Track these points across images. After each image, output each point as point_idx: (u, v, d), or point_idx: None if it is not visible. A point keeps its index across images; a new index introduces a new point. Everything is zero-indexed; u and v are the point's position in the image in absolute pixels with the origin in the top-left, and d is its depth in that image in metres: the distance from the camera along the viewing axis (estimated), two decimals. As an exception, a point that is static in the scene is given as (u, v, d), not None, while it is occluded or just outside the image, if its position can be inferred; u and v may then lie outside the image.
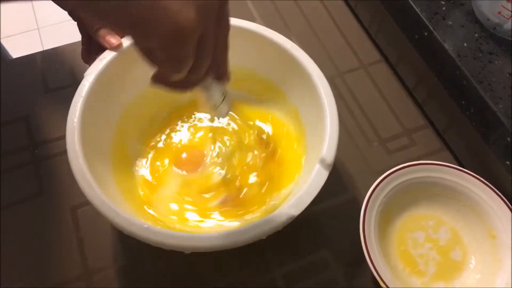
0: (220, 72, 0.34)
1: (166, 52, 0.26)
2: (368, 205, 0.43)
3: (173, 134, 0.49)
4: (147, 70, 0.48)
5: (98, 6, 0.25)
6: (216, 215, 0.44)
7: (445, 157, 0.52)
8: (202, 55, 0.28)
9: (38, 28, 1.58)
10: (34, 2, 1.65)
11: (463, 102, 0.46)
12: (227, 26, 0.31)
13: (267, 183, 0.46)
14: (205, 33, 0.27)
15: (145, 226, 0.35)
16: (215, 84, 0.35)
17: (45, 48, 0.58)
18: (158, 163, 0.47)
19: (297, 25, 0.62)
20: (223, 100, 0.38)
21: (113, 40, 0.44)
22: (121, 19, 0.25)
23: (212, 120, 0.45)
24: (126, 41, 0.45)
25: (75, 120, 0.40)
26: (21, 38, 1.53)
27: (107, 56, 0.44)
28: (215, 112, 0.39)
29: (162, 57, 0.27)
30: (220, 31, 0.30)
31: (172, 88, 0.31)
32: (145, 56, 0.28)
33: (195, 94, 0.36)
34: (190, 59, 0.28)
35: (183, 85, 0.31)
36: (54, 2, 0.47)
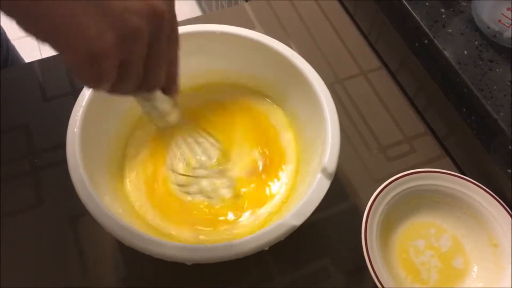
0: (164, 86, 0.33)
1: (81, 68, 0.26)
2: (370, 213, 0.43)
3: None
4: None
5: (16, 9, 0.24)
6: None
7: (445, 164, 0.52)
8: (123, 77, 0.28)
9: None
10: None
11: (464, 109, 0.46)
12: (172, 42, 0.30)
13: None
14: (126, 58, 0.26)
15: (146, 237, 0.35)
16: (158, 96, 0.34)
17: (43, 53, 0.58)
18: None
19: (297, 32, 0.61)
20: (171, 109, 0.36)
21: None
22: (40, 29, 0.25)
23: (158, 128, 0.43)
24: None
25: (75, 130, 0.40)
26: (20, 42, 1.53)
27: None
28: (161, 121, 0.37)
29: (78, 71, 0.26)
30: (157, 50, 0.29)
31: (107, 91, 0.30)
32: (65, 65, 0.28)
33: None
34: (107, 78, 0.27)
35: (111, 92, 0.30)
36: None
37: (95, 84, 0.27)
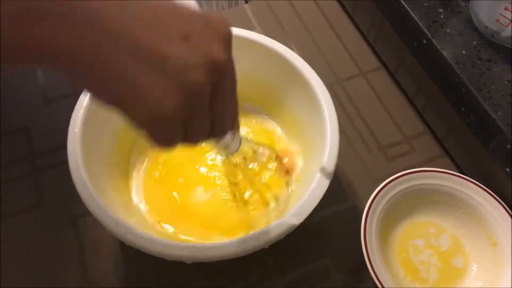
0: (230, 127, 0.32)
1: (147, 130, 0.25)
2: (369, 213, 0.43)
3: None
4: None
5: (75, 78, 0.24)
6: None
7: (445, 163, 0.52)
8: (189, 134, 0.27)
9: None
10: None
11: (463, 109, 0.46)
12: (231, 94, 0.29)
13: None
14: (191, 117, 0.25)
15: (146, 236, 0.35)
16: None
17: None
18: (157, 173, 0.47)
19: (296, 33, 0.62)
20: (232, 140, 0.37)
21: None
22: (102, 93, 0.24)
23: (225, 157, 0.45)
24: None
25: (76, 129, 0.40)
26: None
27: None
28: (223, 151, 0.39)
29: (145, 133, 0.25)
30: (219, 103, 0.27)
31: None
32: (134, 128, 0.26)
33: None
34: (174, 138, 0.26)
35: (186, 145, 0.29)
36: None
37: (162, 144, 0.26)
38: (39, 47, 0.22)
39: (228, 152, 0.39)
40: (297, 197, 0.42)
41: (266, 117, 0.51)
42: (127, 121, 0.25)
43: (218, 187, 0.46)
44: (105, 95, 0.24)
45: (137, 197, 0.45)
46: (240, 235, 0.42)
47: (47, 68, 0.24)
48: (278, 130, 0.50)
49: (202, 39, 0.25)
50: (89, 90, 0.24)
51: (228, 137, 0.35)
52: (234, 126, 0.33)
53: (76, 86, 0.24)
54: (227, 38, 0.26)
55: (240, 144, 0.39)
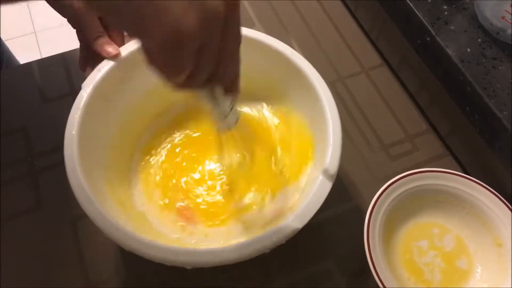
0: (227, 84, 0.33)
1: (163, 54, 0.26)
2: (372, 214, 0.42)
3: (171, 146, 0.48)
4: (146, 80, 0.47)
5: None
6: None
7: (448, 162, 0.51)
8: (200, 64, 0.28)
9: (35, 32, 1.57)
10: (31, 7, 1.64)
11: (467, 108, 0.45)
12: (236, 39, 0.30)
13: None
14: (206, 42, 0.26)
15: (146, 241, 0.34)
16: (222, 94, 0.34)
17: (42, 52, 0.57)
18: (158, 177, 0.47)
19: (297, 30, 0.61)
20: (230, 110, 0.37)
21: (111, 49, 0.44)
22: (125, 15, 0.25)
23: (218, 129, 0.44)
24: (124, 51, 0.44)
25: (74, 132, 0.39)
26: (18, 41, 1.52)
27: (105, 66, 0.43)
28: (222, 122, 0.38)
29: (159, 60, 0.26)
30: (226, 43, 0.29)
31: (174, 86, 0.30)
32: (145, 56, 0.27)
33: (198, 103, 0.35)
34: (187, 65, 0.27)
35: (183, 86, 0.30)
36: (54, 8, 0.46)
37: (174, 73, 0.27)
38: None
39: (226, 123, 0.38)
40: (299, 200, 0.41)
41: (267, 112, 0.50)
42: (142, 47, 0.26)
43: (219, 188, 0.46)
44: (126, 15, 0.25)
45: (137, 200, 0.44)
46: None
47: None
48: (276, 126, 0.50)
49: None
50: (110, 13, 0.25)
51: (227, 102, 0.35)
52: (234, 87, 0.34)
53: (100, 9, 0.25)
54: None
55: (237, 117, 0.38)
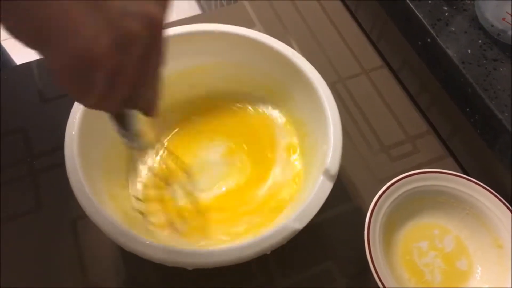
0: (144, 107, 0.31)
1: (69, 76, 0.24)
2: (373, 215, 0.42)
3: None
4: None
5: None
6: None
7: (449, 164, 0.51)
8: (112, 88, 0.25)
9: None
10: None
11: (468, 109, 0.45)
12: (156, 65, 0.28)
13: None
14: (119, 67, 0.24)
15: (146, 242, 0.34)
16: (136, 116, 0.32)
17: (35, 54, 0.57)
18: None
19: (297, 30, 0.61)
20: (137, 136, 0.34)
21: None
22: (23, 25, 0.22)
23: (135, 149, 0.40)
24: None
25: (74, 132, 0.39)
26: (15, 41, 1.52)
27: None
28: (132, 142, 0.35)
29: (64, 80, 0.24)
30: (145, 68, 0.27)
31: (85, 106, 0.28)
32: (51, 74, 0.24)
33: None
34: (95, 88, 0.25)
35: (95, 107, 0.28)
36: None
37: (82, 94, 0.25)
38: None
39: (136, 143, 0.35)
40: (299, 200, 0.41)
41: (269, 114, 0.50)
42: (47, 64, 0.23)
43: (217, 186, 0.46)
44: (30, 27, 0.22)
45: (136, 201, 0.44)
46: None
47: None
48: (277, 127, 0.49)
49: None
50: (12, 23, 0.22)
51: (136, 118, 0.33)
52: (151, 111, 0.31)
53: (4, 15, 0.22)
54: (166, 2, 0.26)
55: (143, 142, 0.35)
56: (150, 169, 0.44)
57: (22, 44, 0.23)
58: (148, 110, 0.31)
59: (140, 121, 0.33)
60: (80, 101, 0.27)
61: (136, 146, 0.35)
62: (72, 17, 0.22)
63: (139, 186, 0.45)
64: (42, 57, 0.24)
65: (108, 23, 0.23)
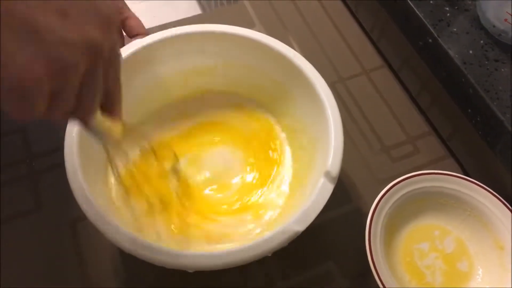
0: (106, 109, 0.32)
1: (8, 100, 0.24)
2: (374, 216, 0.42)
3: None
4: (146, 81, 0.47)
5: None
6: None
7: (449, 165, 0.51)
8: (55, 107, 0.26)
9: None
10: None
11: (469, 110, 0.45)
12: (109, 74, 0.29)
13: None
14: (59, 89, 0.25)
15: (146, 244, 0.34)
16: (97, 118, 0.32)
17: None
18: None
19: (297, 30, 0.61)
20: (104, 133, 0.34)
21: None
22: None
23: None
24: (124, 52, 0.44)
25: (73, 134, 0.39)
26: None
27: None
28: (101, 141, 0.35)
29: (5, 103, 0.25)
30: (90, 86, 0.27)
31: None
32: None
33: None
34: (35, 110, 0.25)
35: (46, 118, 0.28)
36: None
37: (22, 117, 0.26)
38: None
39: (104, 141, 0.35)
40: (300, 202, 0.41)
41: (269, 115, 0.50)
42: None
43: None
44: None
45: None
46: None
47: None
48: (278, 128, 0.49)
49: (80, 18, 0.25)
50: None
51: (98, 120, 0.32)
52: (112, 111, 0.32)
53: None
54: (108, 21, 0.27)
55: (117, 137, 0.35)
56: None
57: None
58: (108, 112, 0.32)
59: (103, 122, 0.33)
60: (21, 121, 0.27)
61: (103, 142, 0.35)
62: (5, 49, 0.23)
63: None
64: None
65: (43, 53, 0.24)
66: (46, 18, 0.24)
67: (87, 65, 0.26)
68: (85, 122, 0.31)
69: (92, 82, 0.27)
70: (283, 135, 0.49)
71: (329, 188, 0.37)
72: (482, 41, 0.46)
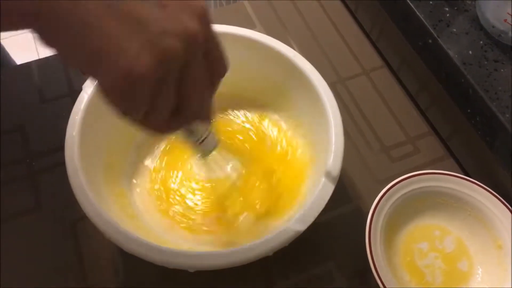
0: (199, 115, 0.32)
1: (115, 94, 0.26)
2: (374, 216, 0.42)
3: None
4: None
5: (55, 35, 0.24)
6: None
7: (449, 165, 0.51)
8: (159, 102, 0.27)
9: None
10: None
11: (468, 110, 0.45)
12: (200, 78, 0.29)
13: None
14: (162, 83, 0.26)
15: (147, 244, 0.34)
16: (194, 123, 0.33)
17: (40, 52, 0.57)
18: (156, 186, 0.46)
19: (297, 30, 0.61)
20: (206, 137, 0.35)
21: None
22: (76, 54, 0.25)
23: (201, 156, 0.41)
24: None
25: (74, 133, 0.39)
26: (15, 41, 1.52)
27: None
28: (198, 149, 0.37)
29: (112, 98, 0.26)
30: (191, 81, 0.28)
31: (144, 128, 0.29)
32: (101, 93, 0.26)
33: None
34: (140, 105, 0.26)
35: (143, 124, 0.29)
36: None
37: (129, 110, 0.27)
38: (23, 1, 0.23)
39: (204, 150, 0.37)
40: (301, 202, 0.41)
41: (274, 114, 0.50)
42: (98, 85, 0.25)
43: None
44: (78, 52, 0.24)
45: (136, 202, 0.44)
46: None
47: (28, 24, 0.24)
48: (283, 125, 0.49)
49: (178, 10, 0.26)
50: (62, 49, 0.25)
51: (200, 129, 0.34)
52: (205, 115, 0.32)
53: (52, 43, 0.25)
54: (203, 14, 0.27)
55: (216, 142, 0.37)
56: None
57: (79, 70, 0.26)
58: (203, 118, 0.32)
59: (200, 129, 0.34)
60: (127, 118, 0.28)
61: (205, 149, 0.37)
62: (116, 41, 0.24)
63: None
64: (95, 80, 0.26)
65: (149, 43, 0.24)
66: (150, 10, 0.25)
67: (189, 57, 0.26)
68: (207, 121, 0.32)
69: (192, 76, 0.28)
70: (282, 136, 0.49)
71: (330, 188, 0.37)
72: (481, 42, 0.46)
